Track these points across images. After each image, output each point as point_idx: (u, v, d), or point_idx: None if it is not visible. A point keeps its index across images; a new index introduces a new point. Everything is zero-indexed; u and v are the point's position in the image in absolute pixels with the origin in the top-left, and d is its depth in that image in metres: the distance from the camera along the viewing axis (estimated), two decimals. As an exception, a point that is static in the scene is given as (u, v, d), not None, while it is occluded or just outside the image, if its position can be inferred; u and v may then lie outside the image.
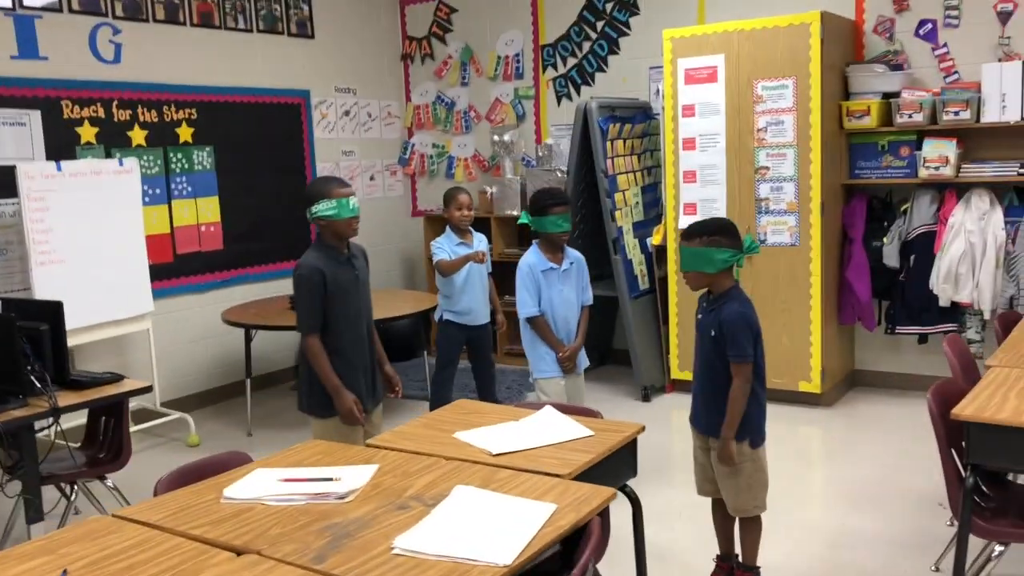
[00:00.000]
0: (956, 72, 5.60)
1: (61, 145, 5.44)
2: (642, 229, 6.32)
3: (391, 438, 2.78)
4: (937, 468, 3.01)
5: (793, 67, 5.48)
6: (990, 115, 5.28)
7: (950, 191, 5.51)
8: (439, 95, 7.75)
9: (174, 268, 6.12)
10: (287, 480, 2.40)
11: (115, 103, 5.76)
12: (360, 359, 3.61)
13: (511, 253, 7.11)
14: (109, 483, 3.94)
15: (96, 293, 5.16)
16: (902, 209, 5.70)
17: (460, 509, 2.15)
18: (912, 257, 5.60)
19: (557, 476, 2.37)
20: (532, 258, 4.20)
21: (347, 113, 7.43)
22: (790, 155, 5.57)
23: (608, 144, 6.04)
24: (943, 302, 5.47)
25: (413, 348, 7.46)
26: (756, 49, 5.59)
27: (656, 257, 6.31)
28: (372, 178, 7.70)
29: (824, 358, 5.64)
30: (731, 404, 3.10)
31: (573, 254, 4.27)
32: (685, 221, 5.90)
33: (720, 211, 5.79)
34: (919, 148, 5.50)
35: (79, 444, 4.28)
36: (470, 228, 5.25)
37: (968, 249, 5.35)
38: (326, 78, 7.22)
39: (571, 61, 7.09)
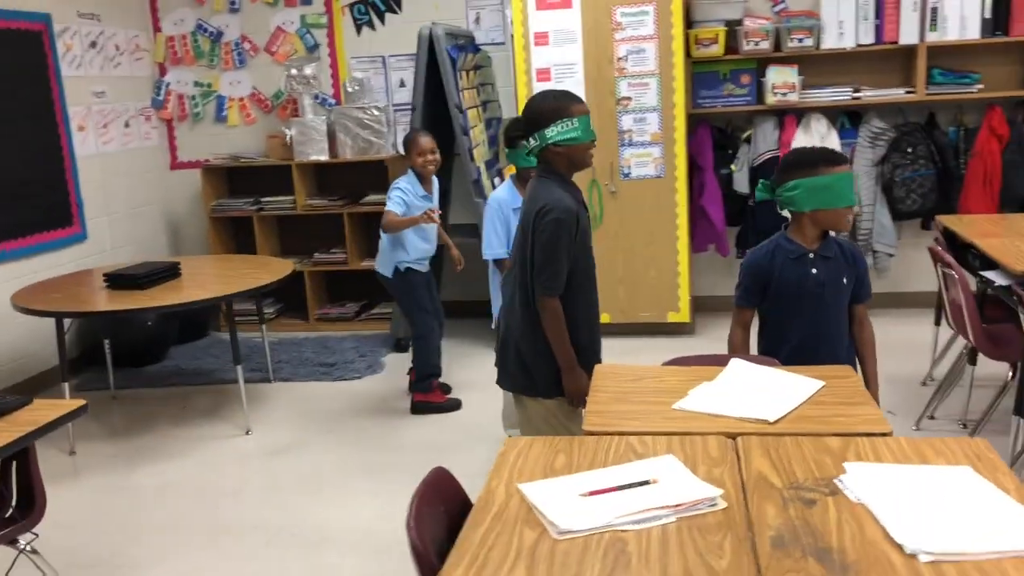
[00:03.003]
0: (783, 2, 5.83)
1: None
2: (491, 169, 5.87)
3: (604, 421, 2.20)
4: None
5: (652, -8, 5.35)
6: (829, 42, 5.57)
7: (789, 117, 5.76)
8: (200, 23, 6.55)
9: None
10: (595, 493, 1.78)
11: None
12: (597, 327, 2.94)
13: (316, 205, 6.29)
14: (21, 544, 2.80)
15: None
16: (744, 136, 5.87)
17: (891, 492, 1.72)
18: (760, 182, 5.78)
19: (885, 435, 2.01)
20: (503, 194, 3.87)
21: (93, 45, 6.00)
22: (653, 84, 5.46)
23: (457, 76, 5.49)
24: (793, 223, 5.72)
25: (206, 325, 6.40)
26: (613, -28, 5.37)
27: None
28: (127, 124, 6.34)
29: (691, 288, 5.69)
30: (873, 348, 2.92)
31: None
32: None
33: (582, 145, 5.55)
34: (762, 76, 5.68)
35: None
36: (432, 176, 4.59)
37: (813, 171, 5.64)
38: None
39: (371, -15, 6.35)
